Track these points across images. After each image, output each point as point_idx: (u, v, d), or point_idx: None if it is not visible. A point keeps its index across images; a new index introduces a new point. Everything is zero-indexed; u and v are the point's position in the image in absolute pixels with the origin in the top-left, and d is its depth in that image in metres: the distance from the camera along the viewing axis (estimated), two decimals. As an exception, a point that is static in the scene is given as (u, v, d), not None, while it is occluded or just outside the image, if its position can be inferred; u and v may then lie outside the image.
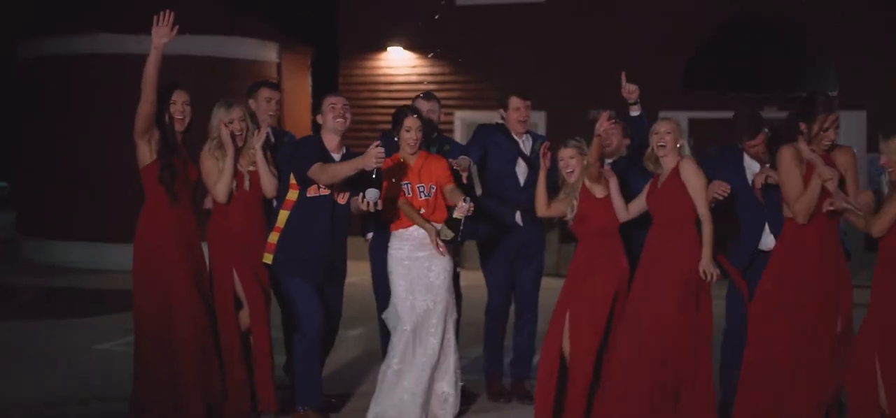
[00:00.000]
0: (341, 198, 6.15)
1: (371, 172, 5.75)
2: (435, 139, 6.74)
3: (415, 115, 6.24)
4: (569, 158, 6.15)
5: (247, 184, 6.16)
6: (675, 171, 5.95)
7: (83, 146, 14.49)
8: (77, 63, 14.65)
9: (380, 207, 5.85)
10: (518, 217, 6.70)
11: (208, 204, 6.32)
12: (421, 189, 6.21)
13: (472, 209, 5.95)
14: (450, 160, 6.30)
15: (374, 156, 5.69)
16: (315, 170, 5.94)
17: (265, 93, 6.77)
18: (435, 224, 6.11)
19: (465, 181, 6.33)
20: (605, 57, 14.81)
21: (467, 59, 15.45)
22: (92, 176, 14.47)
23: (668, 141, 5.98)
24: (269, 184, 6.19)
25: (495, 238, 6.80)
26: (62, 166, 14.75)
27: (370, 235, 6.71)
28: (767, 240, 6.13)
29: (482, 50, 15.31)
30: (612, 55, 14.77)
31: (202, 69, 14.18)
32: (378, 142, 5.78)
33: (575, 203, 6.16)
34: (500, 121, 7.00)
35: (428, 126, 6.44)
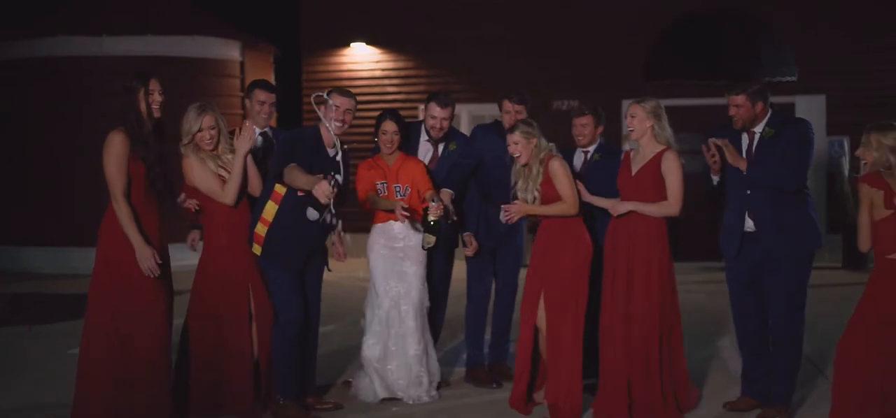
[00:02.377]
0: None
1: (311, 197, 5.96)
2: (444, 136, 7.01)
3: (392, 119, 6.64)
4: (514, 143, 6.26)
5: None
6: (657, 160, 6.02)
7: (46, 150, 14.38)
8: (38, 66, 14.53)
9: (320, 221, 6.13)
10: (502, 215, 6.82)
11: (188, 204, 6.26)
12: (397, 189, 6.59)
13: (442, 207, 6.26)
14: (429, 205, 6.36)
15: (321, 193, 5.86)
16: (288, 169, 6.06)
17: (259, 95, 6.73)
18: (415, 220, 6.46)
19: (452, 219, 6.63)
20: (570, 47, 14.91)
21: (430, 53, 15.49)
22: (58, 180, 14.36)
23: (635, 125, 6.06)
24: (256, 183, 6.24)
25: (478, 232, 7.02)
26: (26, 171, 14.63)
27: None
28: (750, 222, 6.20)
29: (446, 43, 15.35)
30: (576, 45, 14.89)
31: (165, 69, 13.98)
32: (333, 184, 5.90)
33: (537, 192, 6.26)
34: (499, 120, 7.14)
35: (401, 121, 6.73)
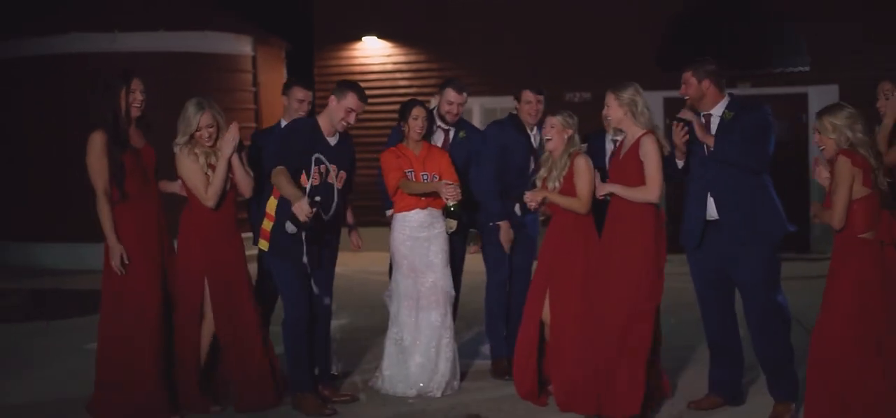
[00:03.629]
0: (338, 182, 6.29)
1: (292, 215, 5.94)
2: (455, 124, 7.13)
3: (421, 106, 6.71)
4: (550, 127, 6.31)
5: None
6: (637, 145, 6.04)
7: (59, 145, 14.43)
8: (49, 63, 14.59)
9: (298, 236, 6.06)
10: (517, 209, 6.94)
11: (171, 188, 6.35)
12: (425, 176, 6.62)
13: (458, 190, 6.35)
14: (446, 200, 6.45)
15: (299, 212, 5.86)
16: (275, 171, 6.09)
17: (298, 93, 6.90)
18: (442, 198, 6.45)
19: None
20: (580, 39, 14.89)
21: (442, 47, 15.49)
22: (69, 175, 14.41)
23: (610, 114, 6.09)
24: (244, 185, 6.23)
25: (494, 227, 7.09)
26: (39, 167, 14.70)
27: (390, 212, 6.86)
28: (712, 210, 6.09)
29: (457, 37, 15.36)
30: (586, 37, 14.86)
31: (177, 64, 14.18)
32: (314, 208, 5.92)
33: (558, 184, 6.29)
34: (514, 112, 7.21)
35: (428, 110, 6.86)
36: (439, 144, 7.04)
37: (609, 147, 6.64)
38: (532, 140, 7.10)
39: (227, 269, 6.22)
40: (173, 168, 6.24)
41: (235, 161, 6.14)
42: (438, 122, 7.10)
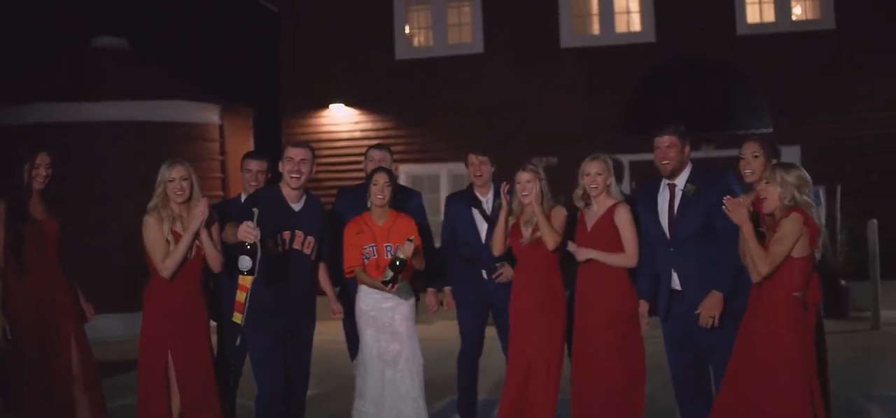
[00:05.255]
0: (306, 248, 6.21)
1: (245, 244, 5.80)
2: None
3: (383, 172, 6.51)
4: (526, 182, 6.33)
5: (189, 252, 6.02)
6: (610, 214, 6.12)
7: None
8: (19, 133, 14.48)
9: (253, 274, 5.83)
10: (484, 274, 6.94)
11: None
12: (388, 248, 6.42)
13: (412, 248, 6.19)
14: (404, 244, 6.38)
15: (244, 234, 5.78)
16: (224, 230, 6.08)
17: (251, 165, 6.89)
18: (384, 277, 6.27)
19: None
20: (546, 105, 15.05)
21: (409, 113, 15.58)
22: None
23: (599, 182, 6.18)
24: (213, 260, 6.09)
25: (463, 289, 7.09)
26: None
27: (338, 289, 6.78)
28: (676, 279, 6.12)
29: (423, 102, 15.46)
30: (551, 103, 15.03)
31: (143, 134, 14.14)
32: (251, 223, 5.79)
33: (530, 229, 6.32)
34: (471, 183, 7.22)
35: (392, 175, 6.67)
36: None
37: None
38: (484, 206, 7.06)
39: (193, 342, 6.08)
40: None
41: (205, 236, 6.01)
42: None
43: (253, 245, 5.76)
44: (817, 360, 5.53)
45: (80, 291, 6.44)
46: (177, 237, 5.98)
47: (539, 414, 6.27)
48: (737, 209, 5.51)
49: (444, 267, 7.19)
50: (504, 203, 6.44)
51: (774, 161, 5.83)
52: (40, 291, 6.07)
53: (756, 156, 5.91)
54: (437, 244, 7.51)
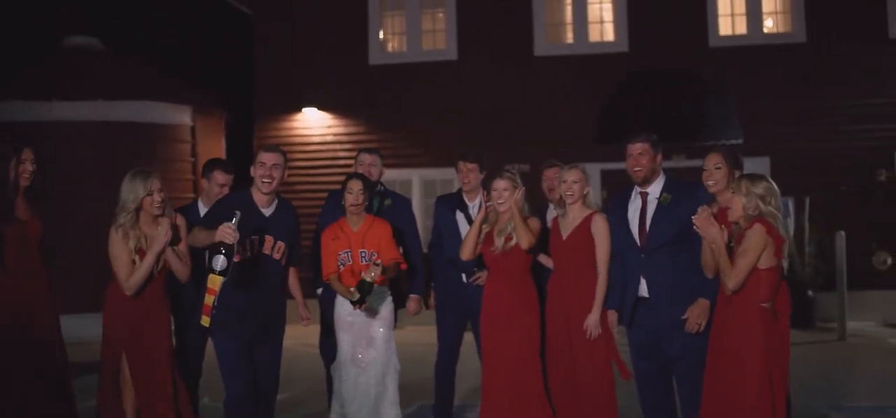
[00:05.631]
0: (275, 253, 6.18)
1: (218, 245, 5.77)
2: (378, 193, 7.05)
3: (358, 179, 6.51)
4: (502, 189, 6.33)
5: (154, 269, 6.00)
6: (586, 223, 6.15)
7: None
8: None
9: (225, 275, 5.79)
10: (464, 277, 7.00)
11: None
12: (362, 254, 6.44)
13: (380, 277, 6.17)
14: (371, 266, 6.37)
15: (225, 234, 5.74)
16: (190, 236, 6.04)
17: (219, 178, 6.76)
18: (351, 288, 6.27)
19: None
20: (519, 112, 15.09)
21: (382, 118, 15.58)
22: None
23: (576, 190, 6.22)
24: (182, 274, 6.09)
25: (444, 292, 7.16)
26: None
27: (320, 290, 6.86)
28: (643, 287, 6.17)
29: (397, 107, 15.46)
30: (525, 111, 15.07)
31: (115, 134, 14.07)
32: (231, 224, 5.77)
33: (503, 238, 6.33)
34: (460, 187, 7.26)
35: (368, 182, 6.69)
36: None
37: (549, 216, 6.73)
38: (470, 211, 7.11)
39: (149, 346, 6.05)
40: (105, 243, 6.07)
41: (169, 254, 6.00)
42: None
43: (230, 246, 5.74)
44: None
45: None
46: (142, 254, 5.96)
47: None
48: (706, 226, 5.56)
49: (427, 271, 7.24)
50: (480, 213, 6.45)
51: (738, 173, 5.89)
52: (18, 291, 6.00)
53: (718, 168, 5.96)
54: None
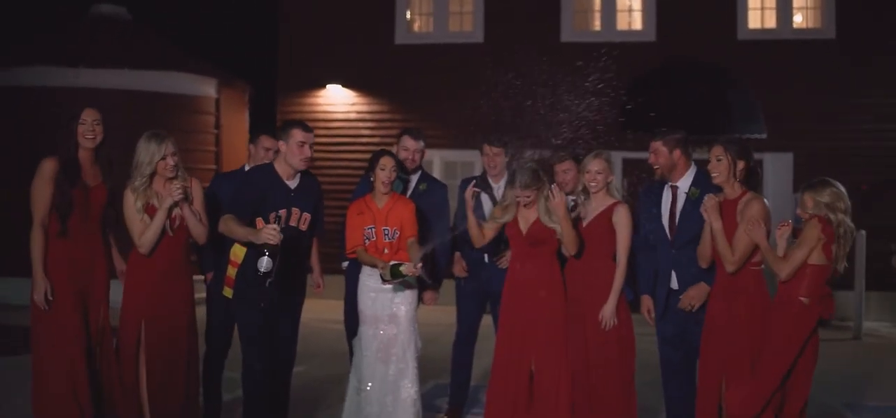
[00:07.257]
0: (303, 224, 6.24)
1: (261, 246, 5.80)
2: (419, 177, 7.11)
3: (390, 156, 6.53)
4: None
5: (169, 227, 6.07)
6: (608, 212, 6.15)
7: (16, 179, 14.27)
8: (11, 95, 14.49)
9: (271, 276, 5.85)
10: (486, 257, 7.02)
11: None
12: (386, 231, 6.44)
13: (418, 272, 6.16)
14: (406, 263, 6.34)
15: (269, 236, 5.78)
16: (223, 220, 6.04)
17: (266, 142, 6.89)
18: (387, 263, 6.26)
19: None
20: (543, 98, 15.05)
21: (405, 98, 15.59)
22: (26, 210, 14.25)
23: (600, 180, 6.21)
24: (199, 233, 6.15)
25: (466, 273, 7.19)
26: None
27: (345, 264, 6.90)
28: (675, 279, 6.24)
29: (421, 88, 15.47)
30: (549, 97, 15.02)
31: (140, 103, 14.15)
32: (275, 225, 5.87)
33: (500, 211, 6.36)
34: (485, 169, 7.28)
35: (401, 166, 6.75)
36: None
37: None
38: (495, 192, 7.13)
39: (168, 314, 6.10)
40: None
41: (187, 211, 6.05)
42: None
43: (274, 247, 5.79)
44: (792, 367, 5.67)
45: (116, 250, 6.39)
46: (152, 211, 6.02)
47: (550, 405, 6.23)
48: (713, 215, 5.70)
49: (447, 265, 7.21)
50: (468, 204, 6.50)
51: (743, 164, 5.85)
52: (76, 255, 6.00)
53: (719, 160, 6.01)
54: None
